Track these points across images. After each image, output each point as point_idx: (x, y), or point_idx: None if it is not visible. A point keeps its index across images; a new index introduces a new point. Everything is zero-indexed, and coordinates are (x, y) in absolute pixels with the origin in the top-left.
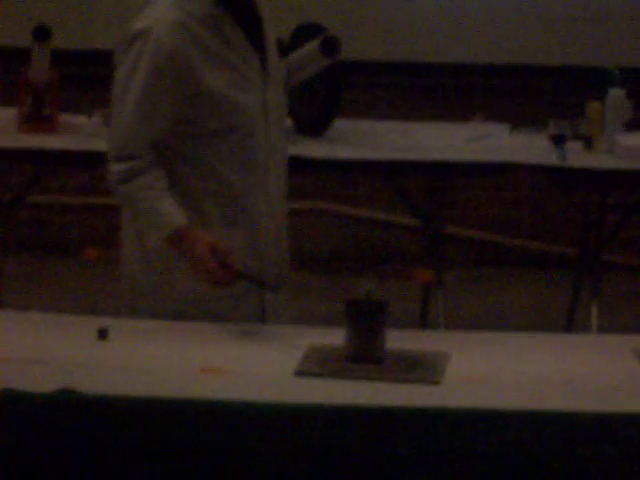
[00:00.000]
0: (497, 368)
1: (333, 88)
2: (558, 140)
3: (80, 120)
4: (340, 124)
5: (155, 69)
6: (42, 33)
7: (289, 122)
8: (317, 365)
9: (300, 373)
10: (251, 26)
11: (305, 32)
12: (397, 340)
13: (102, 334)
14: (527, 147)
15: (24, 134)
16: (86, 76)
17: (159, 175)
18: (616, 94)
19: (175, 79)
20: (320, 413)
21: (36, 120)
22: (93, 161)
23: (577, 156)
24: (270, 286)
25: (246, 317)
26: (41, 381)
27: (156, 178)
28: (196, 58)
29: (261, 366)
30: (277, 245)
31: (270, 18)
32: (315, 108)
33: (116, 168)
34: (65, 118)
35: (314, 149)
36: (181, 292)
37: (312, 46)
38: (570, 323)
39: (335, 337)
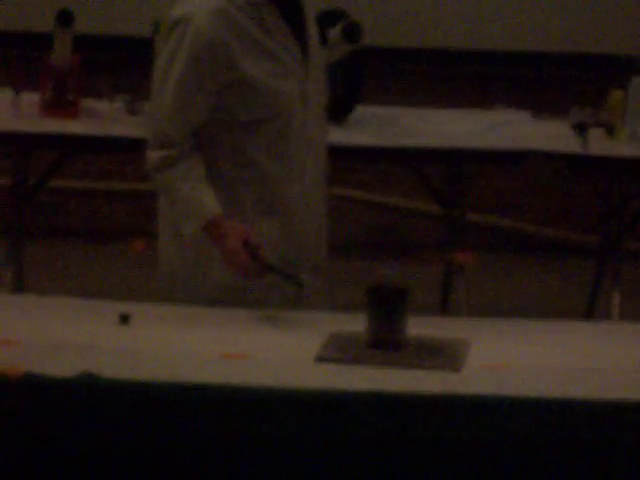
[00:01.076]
0: (518, 355)
1: (355, 74)
2: (580, 128)
3: (102, 105)
4: (362, 111)
5: (194, 57)
6: (65, 18)
7: None
8: (338, 351)
9: (321, 359)
10: (292, 14)
11: (327, 18)
12: (418, 326)
13: (124, 319)
14: (549, 135)
15: (46, 119)
16: (108, 61)
17: (196, 164)
18: (639, 82)
19: (214, 67)
20: (340, 399)
21: (58, 105)
22: (115, 146)
23: (599, 144)
24: (298, 281)
25: (282, 304)
26: (62, 365)
27: (193, 167)
28: (236, 46)
29: (282, 352)
30: (314, 232)
31: (310, 6)
32: (337, 94)
33: (153, 155)
34: (87, 103)
35: (335, 135)
36: (216, 280)
37: (334, 32)
38: (591, 311)
39: (357, 323)
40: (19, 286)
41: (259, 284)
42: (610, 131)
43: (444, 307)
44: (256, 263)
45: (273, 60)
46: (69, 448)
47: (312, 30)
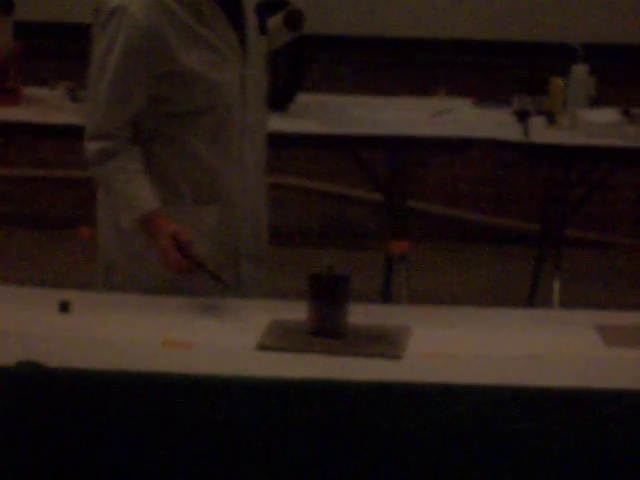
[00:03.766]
0: (459, 343)
1: (297, 62)
2: (522, 116)
3: (44, 92)
4: (304, 98)
5: (130, 47)
6: (5, 5)
7: None
8: (279, 339)
9: (262, 347)
10: (230, 3)
11: (268, 7)
12: (359, 314)
13: (63, 307)
14: (491, 122)
15: None
16: (49, 48)
17: (134, 156)
18: (579, 70)
19: (150, 57)
20: (281, 387)
21: (0, 93)
22: (57, 133)
23: (540, 132)
24: (224, 282)
25: (222, 292)
26: (2, 354)
27: (130, 159)
28: (172, 36)
29: (223, 340)
30: (254, 221)
31: None
32: (279, 82)
33: (91, 148)
34: (29, 90)
35: (278, 123)
36: (155, 269)
37: (276, 20)
38: (532, 298)
39: (299, 311)
40: None
41: (198, 272)
42: (551, 119)
43: (385, 295)
44: (186, 260)
45: (210, 50)
46: (8, 436)
47: (251, 19)
